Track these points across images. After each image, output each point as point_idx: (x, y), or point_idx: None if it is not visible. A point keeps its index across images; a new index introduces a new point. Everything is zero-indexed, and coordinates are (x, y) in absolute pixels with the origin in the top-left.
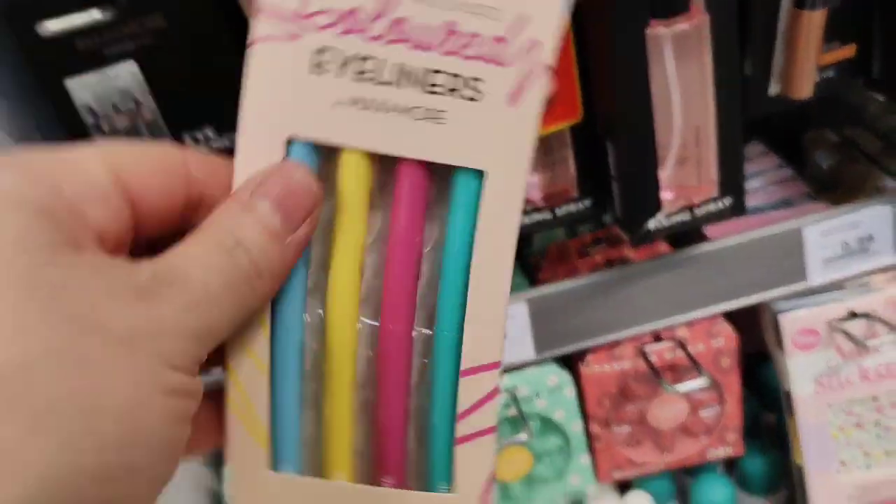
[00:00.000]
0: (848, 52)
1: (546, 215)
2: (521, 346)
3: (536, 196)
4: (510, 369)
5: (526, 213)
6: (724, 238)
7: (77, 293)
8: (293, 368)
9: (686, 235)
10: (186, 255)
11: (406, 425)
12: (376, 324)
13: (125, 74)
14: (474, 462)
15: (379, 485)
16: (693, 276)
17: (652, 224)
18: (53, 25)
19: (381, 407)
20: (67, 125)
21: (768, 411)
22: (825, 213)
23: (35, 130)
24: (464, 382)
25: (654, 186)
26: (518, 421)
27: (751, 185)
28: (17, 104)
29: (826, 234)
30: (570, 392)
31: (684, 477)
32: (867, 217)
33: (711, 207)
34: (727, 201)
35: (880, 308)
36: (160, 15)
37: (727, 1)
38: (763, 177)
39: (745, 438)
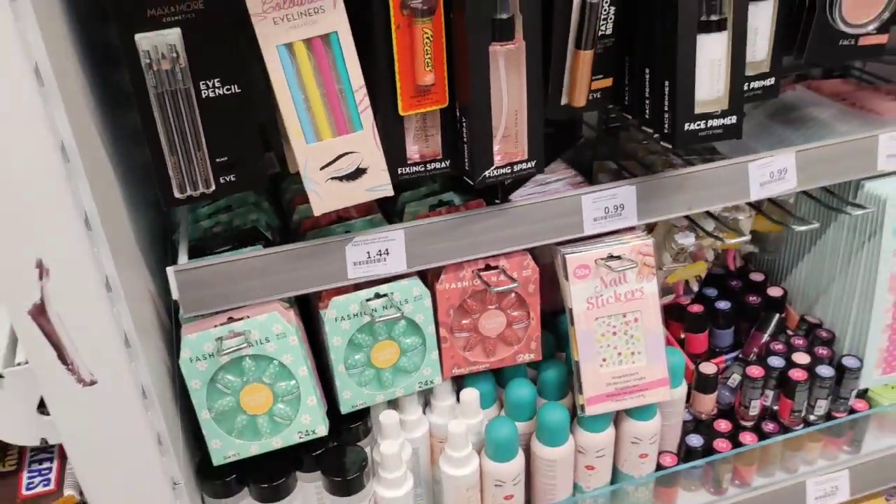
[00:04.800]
0: (608, 82)
1: (421, 169)
2: (398, 261)
3: (416, 156)
4: (390, 279)
5: (407, 166)
6: (526, 199)
7: None
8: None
9: (504, 193)
10: None
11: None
12: None
13: (173, 35)
14: (366, 119)
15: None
16: (508, 223)
17: (487, 174)
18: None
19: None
20: (130, 65)
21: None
22: (594, 187)
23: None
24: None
25: (490, 150)
26: (395, 321)
27: (553, 186)
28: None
29: (595, 201)
30: (427, 302)
31: (499, 389)
32: (621, 192)
33: (524, 166)
34: (532, 163)
35: (628, 253)
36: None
37: (535, 35)
38: (563, 181)
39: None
